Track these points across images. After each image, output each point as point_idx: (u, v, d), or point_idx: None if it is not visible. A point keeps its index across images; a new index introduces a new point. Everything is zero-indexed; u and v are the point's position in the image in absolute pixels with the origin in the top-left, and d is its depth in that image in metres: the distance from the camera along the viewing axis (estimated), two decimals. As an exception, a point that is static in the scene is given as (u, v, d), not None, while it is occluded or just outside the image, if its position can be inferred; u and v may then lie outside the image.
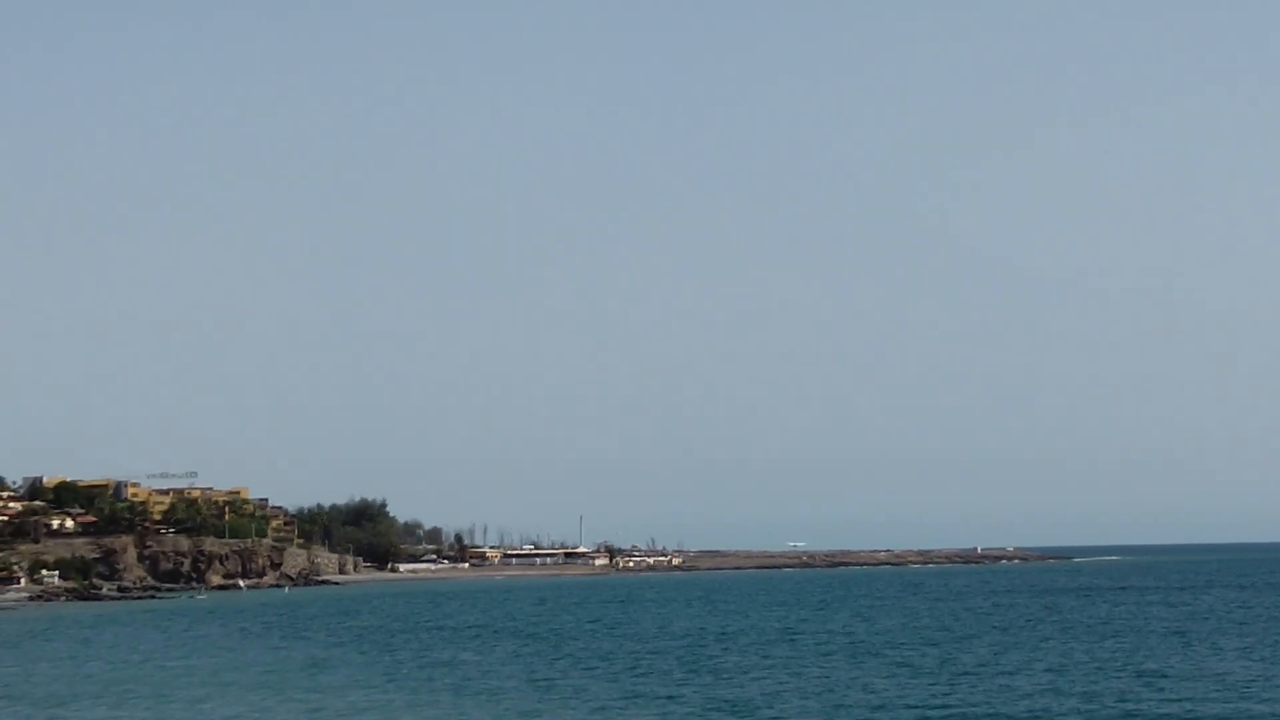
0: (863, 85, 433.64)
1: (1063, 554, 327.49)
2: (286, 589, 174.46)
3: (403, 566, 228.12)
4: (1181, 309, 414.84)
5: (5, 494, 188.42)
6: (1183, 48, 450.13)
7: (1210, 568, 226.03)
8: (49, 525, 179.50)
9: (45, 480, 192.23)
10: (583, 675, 52.88)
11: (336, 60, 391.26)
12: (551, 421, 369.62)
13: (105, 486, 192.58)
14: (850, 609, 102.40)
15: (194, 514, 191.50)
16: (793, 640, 69.58)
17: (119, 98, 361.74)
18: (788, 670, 52.39)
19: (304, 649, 70.92)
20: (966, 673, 49.52)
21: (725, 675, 51.17)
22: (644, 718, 37.82)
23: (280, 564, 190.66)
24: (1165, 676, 46.74)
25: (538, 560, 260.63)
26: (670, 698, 42.97)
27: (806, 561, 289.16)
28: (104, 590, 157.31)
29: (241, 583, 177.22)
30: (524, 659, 62.31)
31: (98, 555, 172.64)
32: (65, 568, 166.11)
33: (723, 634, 76.46)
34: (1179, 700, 39.19)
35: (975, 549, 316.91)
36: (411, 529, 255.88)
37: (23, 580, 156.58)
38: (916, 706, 38.73)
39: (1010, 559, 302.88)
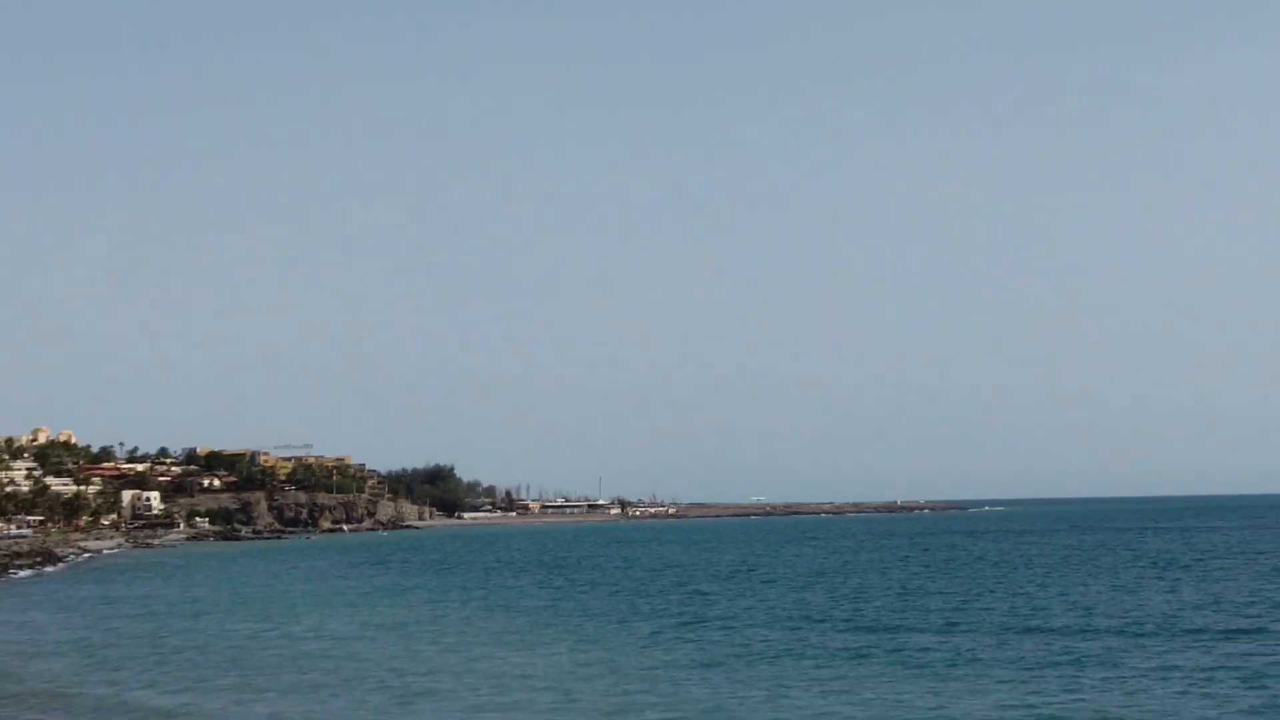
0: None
1: (961, 505, 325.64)
2: (381, 532, 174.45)
3: (466, 515, 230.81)
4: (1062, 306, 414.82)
5: (168, 460, 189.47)
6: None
7: (1075, 515, 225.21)
8: (201, 484, 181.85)
9: (199, 450, 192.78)
10: (590, 595, 53.19)
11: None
12: (579, 404, 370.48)
13: (243, 455, 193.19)
14: (795, 549, 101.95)
15: (310, 475, 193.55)
16: (750, 571, 69.43)
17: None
18: (743, 592, 52.24)
19: (388, 576, 71.12)
20: (880, 593, 49.40)
21: (698, 595, 51.03)
22: (632, 626, 37.70)
23: (375, 513, 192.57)
24: (1026, 595, 46.61)
25: (567, 510, 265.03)
26: (654, 611, 43.09)
27: (769, 511, 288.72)
28: (242, 533, 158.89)
29: (345, 527, 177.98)
30: (548, 583, 64.39)
31: (237, 506, 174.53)
32: (213, 516, 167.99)
33: (698, 566, 76.16)
34: (1034, 612, 39.21)
35: (896, 501, 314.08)
36: (472, 486, 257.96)
37: (181, 525, 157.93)
38: (837, 619, 38.69)
39: (922, 509, 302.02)
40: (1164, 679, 23.91)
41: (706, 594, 52.08)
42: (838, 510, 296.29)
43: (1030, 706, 20.94)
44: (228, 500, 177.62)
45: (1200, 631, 32.58)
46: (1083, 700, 21.54)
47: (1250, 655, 27.10)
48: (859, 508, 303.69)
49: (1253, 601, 41.21)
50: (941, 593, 49.82)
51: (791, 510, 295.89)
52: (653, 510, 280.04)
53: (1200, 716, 19.82)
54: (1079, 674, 24.92)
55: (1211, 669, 25.14)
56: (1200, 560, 70.10)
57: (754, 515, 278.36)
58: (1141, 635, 31.95)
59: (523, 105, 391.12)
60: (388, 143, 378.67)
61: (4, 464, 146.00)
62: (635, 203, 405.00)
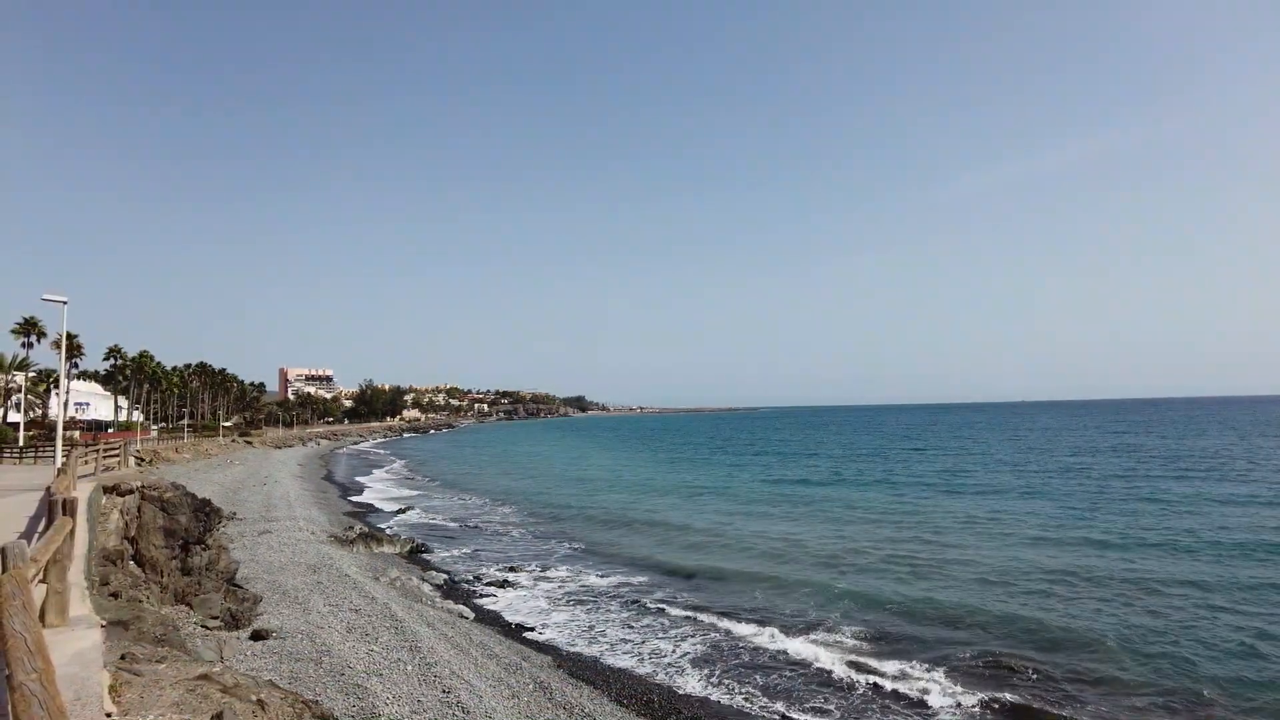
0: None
1: (754, 407, 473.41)
2: (559, 419, 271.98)
3: (590, 411, 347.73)
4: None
5: (490, 393, 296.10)
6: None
7: (831, 416, 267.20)
8: (501, 402, 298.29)
9: (500, 389, 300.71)
10: (627, 439, 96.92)
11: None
12: (631, 361, 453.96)
13: (516, 391, 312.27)
14: (665, 430, 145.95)
15: (536, 398, 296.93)
16: (668, 431, 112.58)
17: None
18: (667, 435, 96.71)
19: (561, 433, 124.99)
20: (738, 440, 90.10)
21: (654, 445, 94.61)
22: (644, 454, 78.16)
23: (557, 411, 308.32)
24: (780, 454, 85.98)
25: (625, 410, 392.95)
26: (644, 442, 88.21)
27: (698, 410, 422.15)
28: (514, 419, 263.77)
29: (549, 416, 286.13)
30: (620, 439, 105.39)
31: (513, 409, 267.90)
32: (506, 412, 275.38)
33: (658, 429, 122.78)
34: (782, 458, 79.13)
35: (736, 407, 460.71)
36: (592, 401, 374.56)
37: (494, 415, 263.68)
38: (709, 446, 79.84)
39: (736, 410, 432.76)
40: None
41: (658, 436, 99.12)
42: (709, 409, 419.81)
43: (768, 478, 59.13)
44: (509, 406, 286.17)
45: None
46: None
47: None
48: (718, 409, 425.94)
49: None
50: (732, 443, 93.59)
51: (702, 409, 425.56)
52: (652, 409, 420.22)
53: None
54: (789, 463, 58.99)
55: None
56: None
57: (690, 412, 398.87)
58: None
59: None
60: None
61: (432, 394, 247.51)
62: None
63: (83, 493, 12.28)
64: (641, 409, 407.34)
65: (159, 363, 66.86)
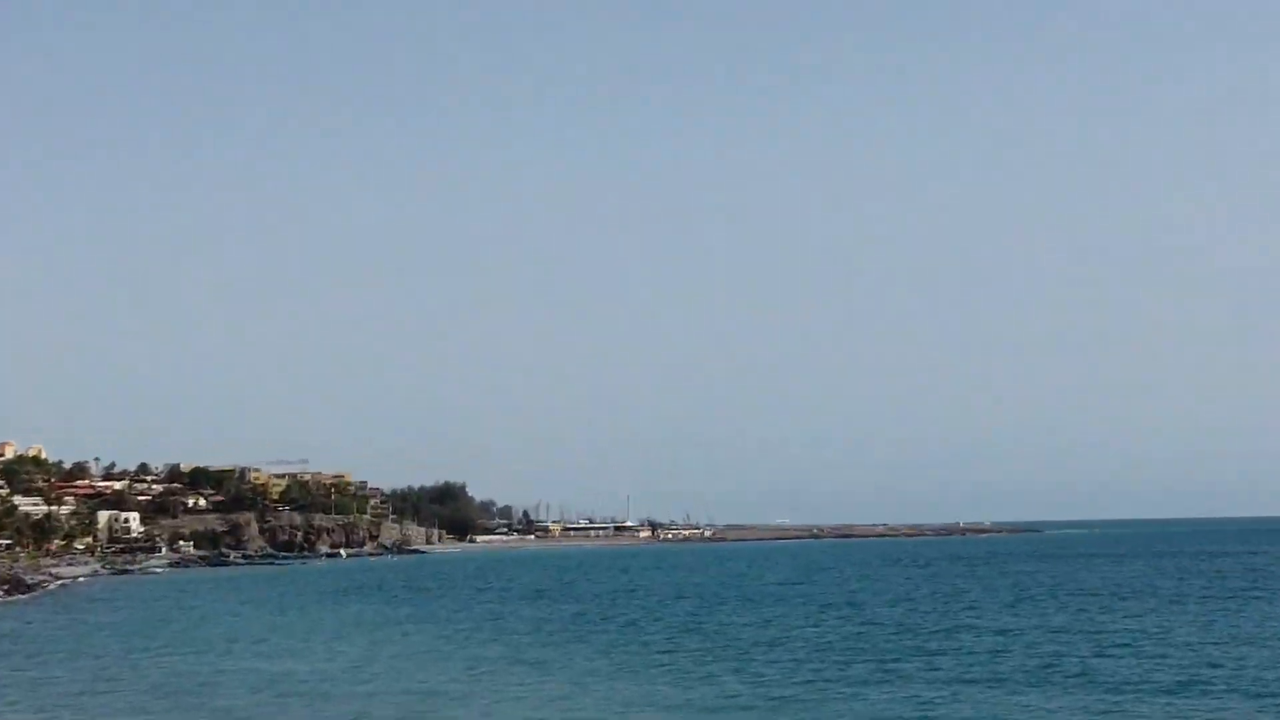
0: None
1: (1035, 527, 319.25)
2: (387, 557, 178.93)
3: (479, 538, 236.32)
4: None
5: (149, 478, 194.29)
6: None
7: (1150, 537, 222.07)
8: (185, 504, 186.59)
9: (182, 466, 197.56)
10: (581, 631, 54.33)
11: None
12: (604, 415, 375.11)
13: (232, 471, 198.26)
14: (826, 579, 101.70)
15: (306, 494, 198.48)
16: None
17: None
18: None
19: (376, 609, 73.43)
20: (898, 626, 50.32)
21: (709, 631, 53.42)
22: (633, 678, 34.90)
23: (378, 536, 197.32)
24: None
25: (591, 532, 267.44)
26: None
27: (817, 534, 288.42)
28: (231, 557, 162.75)
29: (344, 551, 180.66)
30: (544, 613, 65.70)
31: (225, 529, 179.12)
32: (198, 539, 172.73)
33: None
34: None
35: (958, 524, 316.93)
36: (487, 506, 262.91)
37: (163, 549, 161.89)
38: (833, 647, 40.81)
39: (987, 532, 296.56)
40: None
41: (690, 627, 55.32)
42: (893, 533, 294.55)
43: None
44: (214, 522, 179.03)
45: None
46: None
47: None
48: (916, 530, 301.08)
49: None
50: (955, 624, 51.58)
51: (843, 533, 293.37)
52: (686, 533, 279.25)
53: None
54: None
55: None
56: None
57: (800, 538, 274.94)
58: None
59: (511, 117, 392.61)
60: (386, 148, 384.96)
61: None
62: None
63: None
64: (662, 530, 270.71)
65: None
